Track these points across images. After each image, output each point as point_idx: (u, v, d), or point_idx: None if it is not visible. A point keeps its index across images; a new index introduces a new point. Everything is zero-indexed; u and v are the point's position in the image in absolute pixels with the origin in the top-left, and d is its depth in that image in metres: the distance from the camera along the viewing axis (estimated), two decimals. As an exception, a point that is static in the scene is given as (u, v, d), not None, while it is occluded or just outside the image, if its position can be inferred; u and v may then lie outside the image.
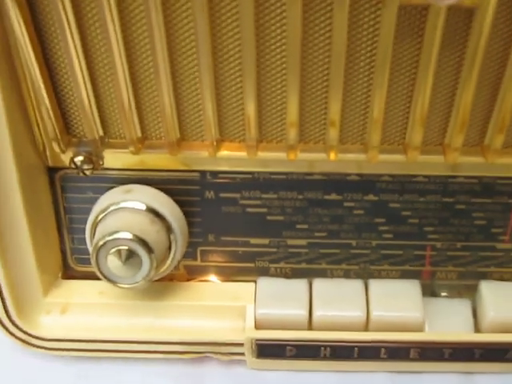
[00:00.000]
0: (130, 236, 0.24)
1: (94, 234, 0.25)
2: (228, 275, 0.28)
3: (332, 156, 0.24)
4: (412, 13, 0.21)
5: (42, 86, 0.23)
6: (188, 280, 0.28)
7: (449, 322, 0.27)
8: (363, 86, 0.22)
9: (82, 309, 0.27)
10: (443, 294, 0.28)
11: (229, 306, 0.27)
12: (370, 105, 0.23)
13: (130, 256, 0.24)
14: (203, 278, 0.28)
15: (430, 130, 0.24)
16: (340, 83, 0.22)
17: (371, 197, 0.26)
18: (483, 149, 0.24)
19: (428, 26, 0.20)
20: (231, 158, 0.25)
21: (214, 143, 0.24)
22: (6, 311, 0.27)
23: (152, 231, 0.24)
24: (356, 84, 0.22)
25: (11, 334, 0.27)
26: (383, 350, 0.26)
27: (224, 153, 0.24)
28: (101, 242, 0.24)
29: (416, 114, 0.22)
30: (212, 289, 0.28)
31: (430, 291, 0.28)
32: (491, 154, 0.24)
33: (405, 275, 0.28)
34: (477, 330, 0.27)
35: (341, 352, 0.26)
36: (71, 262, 0.28)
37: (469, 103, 0.22)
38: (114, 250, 0.24)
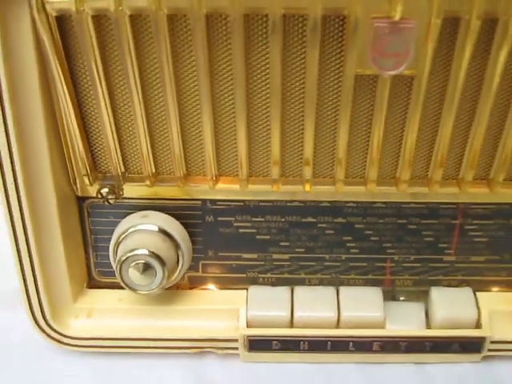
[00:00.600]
0: (146, 252, 0.30)
1: (117, 252, 0.31)
2: (224, 284, 0.34)
3: (307, 188, 0.30)
4: (366, 79, 0.27)
5: (77, 132, 0.29)
6: (191, 288, 0.35)
7: (405, 320, 0.33)
8: (331, 133, 0.29)
9: (104, 313, 0.34)
10: (401, 298, 0.35)
11: (225, 309, 0.34)
12: (336, 147, 0.29)
13: (146, 268, 0.30)
14: (203, 287, 0.35)
15: (385, 166, 0.30)
16: (312, 132, 0.28)
17: (340, 219, 0.32)
18: (428, 181, 0.31)
19: (378, 90, 0.27)
20: (227, 189, 0.31)
21: (213, 178, 0.31)
22: (44, 317, 0.33)
23: (164, 248, 0.31)
24: (325, 132, 0.29)
25: (47, 334, 0.33)
26: (351, 344, 0.33)
27: (221, 185, 0.31)
28: (123, 258, 0.30)
29: (372, 154, 0.29)
30: (211, 295, 0.34)
31: (390, 296, 0.35)
32: (433, 184, 0.30)
33: (369, 283, 0.34)
34: (428, 326, 0.33)
35: (317, 345, 0.33)
36: (95, 274, 0.34)
37: (413, 146, 0.29)
38: (134, 263, 0.30)
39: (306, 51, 0.26)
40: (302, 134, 0.29)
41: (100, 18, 0.26)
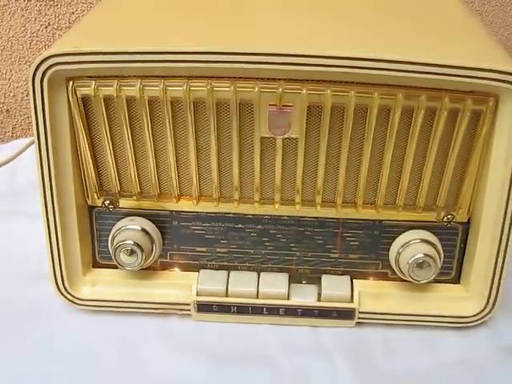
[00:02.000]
0: (132, 242, 0.49)
1: (113, 242, 0.49)
2: (184, 267, 0.53)
3: (236, 205, 0.49)
4: (268, 140, 0.46)
5: (91, 165, 0.48)
6: (162, 269, 0.53)
7: (303, 295, 0.51)
8: (251, 173, 0.48)
9: (103, 284, 0.52)
10: (303, 281, 0.53)
11: (184, 283, 0.52)
12: (256, 182, 0.48)
13: (131, 253, 0.49)
14: (170, 269, 0.53)
15: (286, 193, 0.49)
16: (237, 173, 0.47)
17: (260, 226, 0.51)
18: (314, 203, 0.49)
19: (276, 147, 0.46)
20: (185, 204, 0.50)
21: (177, 197, 0.49)
22: (63, 284, 0.51)
23: (144, 240, 0.49)
24: (247, 170, 0.48)
25: (65, 298, 0.52)
26: (265, 309, 0.51)
27: (182, 202, 0.49)
28: (117, 245, 0.49)
29: (278, 188, 0.48)
30: (174, 274, 0.53)
31: (295, 280, 0.53)
32: (317, 205, 0.49)
33: (281, 270, 0.52)
34: (318, 300, 0.52)
35: (242, 310, 0.51)
36: (98, 257, 0.53)
37: (300, 185, 0.47)
38: (123, 249, 0.49)
39: (232, 126, 0.45)
40: (231, 172, 0.48)
41: (108, 100, 0.45)
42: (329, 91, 0.43)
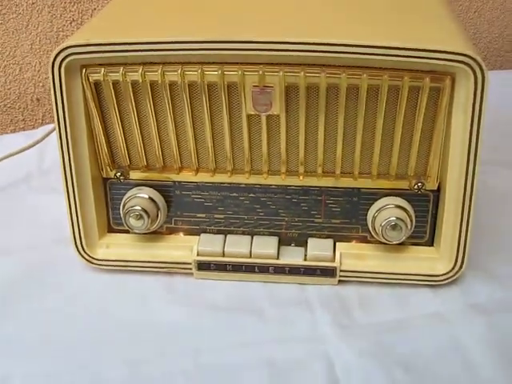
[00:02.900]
0: (140, 208, 0.57)
1: (124, 207, 0.58)
2: (187, 232, 0.61)
3: (230, 175, 0.57)
4: (254, 117, 0.54)
5: (103, 142, 0.57)
6: (168, 234, 0.61)
7: (292, 256, 0.59)
8: (242, 146, 0.56)
9: (116, 246, 0.61)
10: (292, 244, 0.61)
11: (186, 245, 0.60)
12: (247, 155, 0.56)
13: (139, 217, 0.57)
14: (175, 233, 0.61)
15: (274, 165, 0.57)
16: (229, 147, 0.55)
17: (252, 195, 0.58)
18: (298, 174, 0.57)
19: (262, 123, 0.54)
20: (186, 175, 0.58)
21: (178, 169, 0.57)
22: (82, 246, 0.60)
23: (150, 207, 0.58)
24: (239, 144, 0.56)
25: (84, 258, 0.60)
26: (256, 268, 0.59)
27: (183, 173, 0.58)
28: (127, 211, 0.57)
29: (265, 160, 0.55)
30: (179, 238, 0.61)
31: (285, 243, 0.60)
32: (300, 175, 0.56)
33: (272, 234, 0.60)
34: (304, 260, 0.59)
35: (237, 268, 0.59)
36: (112, 223, 0.61)
37: (285, 156, 0.55)
38: (133, 214, 0.57)
39: (222, 105, 0.53)
40: (224, 146, 0.56)
41: (116, 84, 0.53)
42: (303, 73, 0.51)
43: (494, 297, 0.58)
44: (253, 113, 0.53)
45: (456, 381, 0.51)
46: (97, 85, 0.54)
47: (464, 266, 0.57)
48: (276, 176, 0.57)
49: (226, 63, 0.52)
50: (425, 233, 0.59)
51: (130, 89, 0.53)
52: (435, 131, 0.53)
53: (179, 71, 0.52)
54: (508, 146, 0.81)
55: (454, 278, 0.58)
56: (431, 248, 0.59)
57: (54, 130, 0.78)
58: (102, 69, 0.53)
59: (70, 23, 0.86)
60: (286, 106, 0.53)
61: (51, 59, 0.52)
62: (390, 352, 0.53)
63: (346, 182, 0.57)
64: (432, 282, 0.59)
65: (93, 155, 0.58)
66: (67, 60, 0.52)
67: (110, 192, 0.60)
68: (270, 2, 0.59)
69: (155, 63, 0.52)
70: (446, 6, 0.60)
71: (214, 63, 0.52)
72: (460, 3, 0.97)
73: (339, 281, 0.59)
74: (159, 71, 0.52)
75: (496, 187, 0.70)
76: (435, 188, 0.57)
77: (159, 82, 0.52)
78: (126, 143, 0.57)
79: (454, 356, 0.53)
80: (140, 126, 0.55)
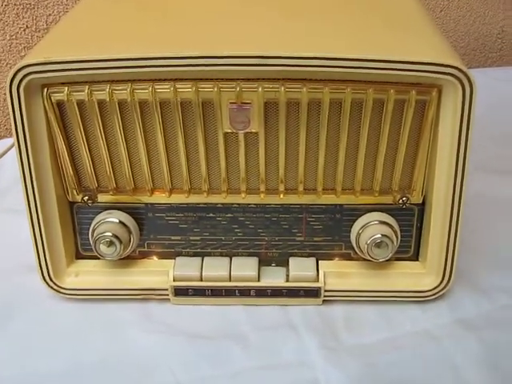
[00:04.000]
0: (110, 234, 0.53)
1: (93, 234, 0.54)
2: (161, 255, 0.57)
3: (206, 196, 0.54)
4: (231, 135, 0.50)
5: (68, 165, 0.52)
6: (140, 258, 0.58)
7: (273, 277, 0.56)
8: (218, 166, 0.52)
9: (85, 274, 0.57)
10: (273, 264, 0.58)
11: (161, 270, 0.56)
12: (223, 175, 0.52)
13: (110, 244, 0.53)
14: (148, 257, 0.58)
15: (252, 183, 0.53)
16: (205, 167, 0.52)
17: (229, 215, 0.55)
18: (278, 192, 0.54)
19: (239, 142, 0.50)
20: (159, 197, 0.54)
21: (150, 191, 0.54)
22: (49, 275, 0.56)
23: (121, 232, 0.54)
24: (215, 163, 0.52)
25: (50, 286, 0.56)
26: (237, 291, 0.56)
27: (155, 195, 0.54)
28: (97, 237, 0.53)
29: (243, 179, 0.52)
30: (153, 262, 0.57)
31: (265, 263, 0.57)
32: (280, 194, 0.53)
33: (251, 254, 0.57)
34: (286, 281, 0.56)
35: (216, 292, 0.56)
36: (80, 249, 0.57)
37: (264, 176, 0.52)
38: (103, 240, 0.53)
39: (196, 123, 0.49)
40: (200, 166, 0.52)
41: (80, 104, 0.49)
42: (283, 88, 0.47)
43: (483, 311, 0.56)
44: (230, 130, 0.50)
45: (451, 404, 0.49)
46: (60, 105, 0.50)
47: (452, 280, 0.55)
48: (255, 195, 0.54)
49: (201, 79, 0.48)
50: (409, 247, 0.57)
51: (97, 108, 0.49)
52: (421, 144, 0.51)
53: (150, 89, 0.48)
54: (482, 149, 0.79)
55: (442, 292, 0.56)
56: (417, 263, 0.57)
57: (12, 146, 0.73)
58: (66, 88, 0.48)
59: (24, 30, 0.81)
60: (264, 123, 0.50)
61: (8, 79, 0.48)
62: (380, 376, 0.51)
63: (328, 199, 0.54)
64: (419, 298, 0.57)
65: (57, 178, 0.53)
66: (26, 79, 0.48)
67: (77, 216, 0.56)
68: (246, 15, 0.55)
69: (124, 81, 0.48)
70: (427, 16, 0.58)
71: (187, 79, 0.48)
72: (427, 2, 0.96)
73: (323, 300, 0.57)
74: (128, 89, 0.48)
75: (481, 194, 0.69)
76: (420, 202, 0.55)
77: (128, 100, 0.48)
78: (93, 165, 0.53)
79: (446, 376, 0.51)
80: (108, 147, 0.51)
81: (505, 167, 0.78)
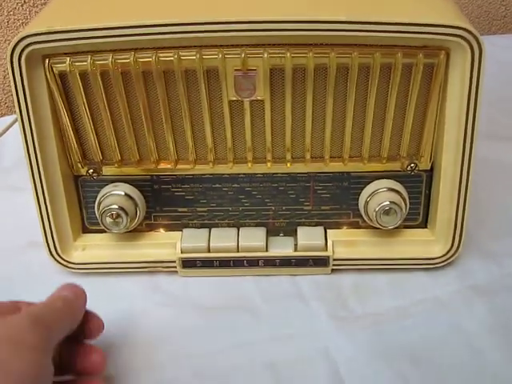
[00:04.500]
0: (116, 207, 0.52)
1: (99, 207, 0.53)
2: (168, 228, 0.57)
3: (211, 166, 0.53)
4: (237, 103, 0.49)
5: (73, 138, 0.52)
6: (147, 231, 0.57)
7: (281, 247, 0.56)
8: (223, 135, 0.51)
9: (92, 247, 0.56)
10: (281, 234, 0.57)
11: (168, 242, 0.56)
12: (228, 145, 0.52)
13: (117, 216, 0.53)
14: (155, 230, 0.57)
15: (258, 152, 0.53)
16: (210, 138, 0.51)
17: (236, 185, 0.54)
18: (286, 160, 0.53)
19: (244, 109, 0.49)
20: (165, 168, 0.53)
21: (156, 162, 0.53)
22: (56, 250, 0.55)
23: (127, 205, 0.53)
24: (220, 133, 0.51)
25: (58, 261, 0.56)
26: (245, 262, 0.55)
27: (161, 166, 0.53)
28: (103, 211, 0.53)
29: (249, 148, 0.51)
30: (160, 234, 0.57)
31: (273, 233, 0.57)
32: (287, 163, 0.53)
33: (259, 225, 0.57)
34: (294, 250, 0.56)
35: (224, 264, 0.55)
36: (86, 223, 0.57)
37: (270, 144, 0.51)
38: (109, 213, 0.53)
39: (200, 91, 0.48)
40: (205, 135, 0.51)
41: (83, 74, 0.48)
42: (289, 54, 0.46)
43: (493, 277, 0.56)
44: (235, 98, 0.49)
45: (463, 369, 0.48)
46: (62, 76, 0.49)
47: (461, 247, 0.55)
48: (261, 164, 0.53)
49: (205, 46, 0.47)
50: (418, 215, 0.56)
51: (100, 79, 0.48)
52: (429, 109, 0.50)
53: (154, 57, 0.47)
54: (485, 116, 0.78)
55: (451, 260, 0.56)
56: (425, 230, 0.57)
57: (13, 123, 0.72)
58: (68, 58, 0.47)
59: (22, 5, 0.79)
60: (270, 90, 0.49)
61: (9, 50, 0.47)
62: (392, 345, 0.50)
63: (336, 167, 0.53)
64: (428, 266, 0.56)
65: (62, 151, 0.53)
66: (27, 50, 0.47)
67: (82, 190, 0.55)
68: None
69: (126, 49, 0.47)
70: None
71: (191, 47, 0.47)
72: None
73: (332, 270, 0.56)
74: (131, 58, 0.47)
75: (485, 160, 0.68)
76: (428, 168, 0.54)
77: (132, 69, 0.47)
78: (97, 137, 0.52)
79: (458, 343, 0.50)
80: (112, 118, 0.51)
81: (509, 134, 0.77)
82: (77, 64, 0.47)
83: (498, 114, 0.81)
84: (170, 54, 0.47)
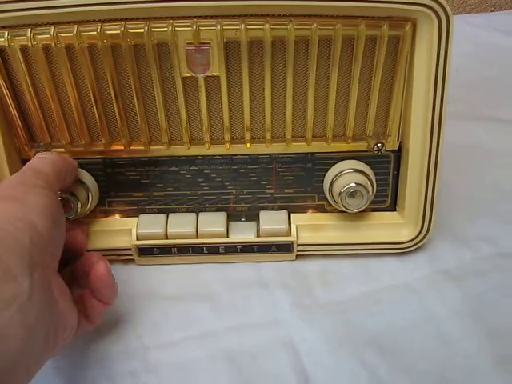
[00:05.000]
0: (65, 193, 0.49)
1: (48, 192, 0.50)
2: (123, 214, 0.54)
3: (167, 147, 0.50)
4: (191, 79, 0.46)
5: (17, 117, 0.48)
6: (103, 217, 0.54)
7: (243, 232, 0.53)
8: (177, 113, 0.48)
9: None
10: (242, 219, 0.54)
11: (124, 229, 0.52)
12: (184, 124, 0.48)
13: (67, 202, 0.49)
14: (110, 216, 0.54)
15: (216, 133, 0.49)
16: (163, 116, 0.47)
17: (193, 167, 0.51)
18: (245, 141, 0.50)
19: (199, 86, 0.46)
20: (117, 150, 0.50)
21: (108, 143, 0.50)
22: None
23: (78, 189, 0.49)
24: (174, 111, 0.48)
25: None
26: (204, 248, 0.52)
27: (113, 148, 0.50)
28: (51, 196, 0.49)
29: (206, 128, 0.48)
30: (115, 221, 0.54)
31: (235, 218, 0.54)
32: (247, 143, 0.50)
33: (219, 209, 0.53)
34: (257, 236, 0.53)
35: (182, 250, 0.52)
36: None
37: (228, 124, 0.48)
38: (60, 198, 0.49)
39: (151, 67, 0.45)
40: (157, 117, 0.48)
41: (23, 49, 0.45)
42: (243, 26, 0.43)
43: (464, 261, 0.53)
44: (188, 75, 0.46)
45: (432, 358, 0.46)
46: (1, 51, 0.45)
47: (431, 230, 0.52)
48: (220, 145, 0.50)
49: (154, 18, 0.43)
50: (386, 197, 0.53)
51: (42, 54, 0.45)
52: (395, 85, 0.47)
53: (99, 30, 0.43)
54: (461, 96, 0.75)
55: (421, 243, 0.53)
56: (394, 213, 0.54)
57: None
58: (6, 32, 0.44)
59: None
60: (226, 65, 0.45)
61: None
62: (358, 332, 0.48)
63: (299, 147, 0.50)
64: (397, 250, 0.53)
65: (7, 133, 0.49)
66: (-37, 23, 0.43)
67: (30, 175, 0.52)
68: None
69: (70, 22, 0.44)
70: None
71: (139, 19, 0.43)
72: None
73: (297, 256, 0.53)
74: (75, 31, 0.43)
75: (455, 142, 0.65)
76: (396, 148, 0.51)
77: (75, 44, 0.44)
78: (43, 117, 0.48)
79: (426, 331, 0.48)
80: (58, 97, 0.47)
81: (485, 114, 0.74)
82: (16, 38, 0.44)
83: (474, 94, 0.78)
84: (117, 27, 0.43)
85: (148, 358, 0.47)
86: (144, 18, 0.43)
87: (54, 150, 0.50)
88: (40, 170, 0.43)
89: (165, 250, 0.52)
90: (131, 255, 0.53)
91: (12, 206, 0.38)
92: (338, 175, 0.50)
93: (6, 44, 0.44)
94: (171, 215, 0.53)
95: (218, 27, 0.43)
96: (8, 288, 0.34)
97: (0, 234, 0.36)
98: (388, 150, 0.51)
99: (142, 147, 0.50)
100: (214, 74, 0.46)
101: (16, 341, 0.34)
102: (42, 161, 0.45)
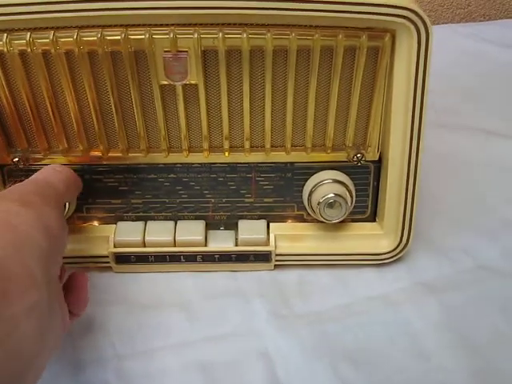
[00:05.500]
0: (42, 198, 0.49)
1: (24, 198, 0.49)
2: (101, 221, 0.53)
3: (145, 155, 0.49)
4: (169, 87, 0.46)
5: (-6, 123, 0.48)
6: (81, 224, 0.53)
7: (221, 241, 0.52)
8: (156, 123, 0.48)
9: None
10: (221, 228, 0.54)
11: (102, 236, 0.52)
12: (163, 133, 0.48)
13: (42, 209, 0.49)
14: (88, 223, 0.53)
15: (195, 141, 0.49)
16: (142, 123, 0.47)
17: (172, 175, 0.51)
18: (223, 150, 0.49)
19: (177, 94, 0.45)
20: (95, 157, 0.49)
21: (86, 150, 0.49)
22: None
23: (54, 196, 0.49)
24: (152, 119, 0.48)
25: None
26: (182, 257, 0.52)
27: (91, 154, 0.49)
28: (27, 202, 0.49)
29: (184, 138, 0.48)
30: (93, 228, 0.53)
31: (213, 227, 0.53)
32: (225, 152, 0.49)
33: (197, 218, 0.53)
34: (235, 245, 0.52)
35: (160, 259, 0.51)
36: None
37: (207, 133, 0.47)
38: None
39: (128, 74, 0.44)
40: (135, 125, 0.48)
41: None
42: (221, 34, 0.43)
43: (443, 273, 0.53)
44: (166, 82, 0.45)
45: (409, 373, 0.45)
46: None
47: (410, 241, 0.52)
48: (198, 153, 0.49)
49: (131, 25, 0.43)
50: (366, 208, 0.53)
51: (18, 59, 0.44)
52: (374, 95, 0.47)
53: (75, 36, 0.43)
54: (442, 107, 0.75)
55: (400, 255, 0.53)
56: (374, 224, 0.53)
57: None
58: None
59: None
60: (204, 74, 0.45)
61: None
62: (334, 344, 0.47)
63: (278, 157, 0.50)
64: (376, 261, 0.53)
65: (-18, 139, 0.48)
66: None
67: (8, 180, 0.51)
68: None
69: (46, 28, 0.43)
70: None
71: (116, 26, 0.43)
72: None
73: (275, 265, 0.53)
74: (51, 37, 0.43)
75: (438, 152, 0.65)
76: (376, 159, 0.50)
77: (52, 50, 0.43)
78: (20, 122, 0.48)
79: (404, 344, 0.47)
80: (35, 101, 0.46)
81: (469, 124, 0.74)
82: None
83: (459, 103, 0.78)
84: (94, 33, 0.43)
85: (121, 367, 0.46)
86: (121, 25, 0.43)
87: (31, 155, 0.49)
88: (55, 186, 0.45)
89: (142, 258, 0.52)
90: (108, 262, 0.52)
91: (31, 212, 0.39)
92: (316, 185, 0.50)
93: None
94: (149, 223, 0.52)
95: (196, 35, 0.43)
96: (32, 295, 0.34)
97: (23, 236, 0.36)
98: (368, 161, 0.50)
99: (120, 154, 0.49)
100: (192, 82, 0.45)
101: (33, 346, 0.34)
102: (57, 176, 0.46)
